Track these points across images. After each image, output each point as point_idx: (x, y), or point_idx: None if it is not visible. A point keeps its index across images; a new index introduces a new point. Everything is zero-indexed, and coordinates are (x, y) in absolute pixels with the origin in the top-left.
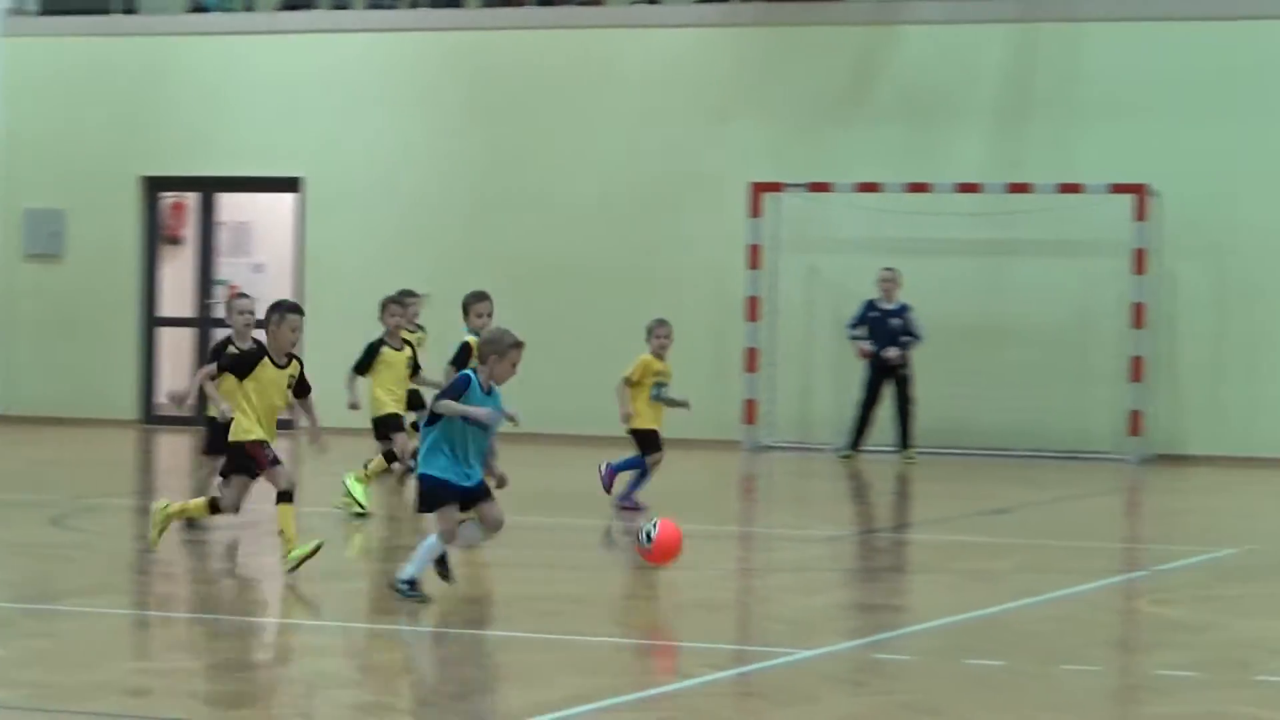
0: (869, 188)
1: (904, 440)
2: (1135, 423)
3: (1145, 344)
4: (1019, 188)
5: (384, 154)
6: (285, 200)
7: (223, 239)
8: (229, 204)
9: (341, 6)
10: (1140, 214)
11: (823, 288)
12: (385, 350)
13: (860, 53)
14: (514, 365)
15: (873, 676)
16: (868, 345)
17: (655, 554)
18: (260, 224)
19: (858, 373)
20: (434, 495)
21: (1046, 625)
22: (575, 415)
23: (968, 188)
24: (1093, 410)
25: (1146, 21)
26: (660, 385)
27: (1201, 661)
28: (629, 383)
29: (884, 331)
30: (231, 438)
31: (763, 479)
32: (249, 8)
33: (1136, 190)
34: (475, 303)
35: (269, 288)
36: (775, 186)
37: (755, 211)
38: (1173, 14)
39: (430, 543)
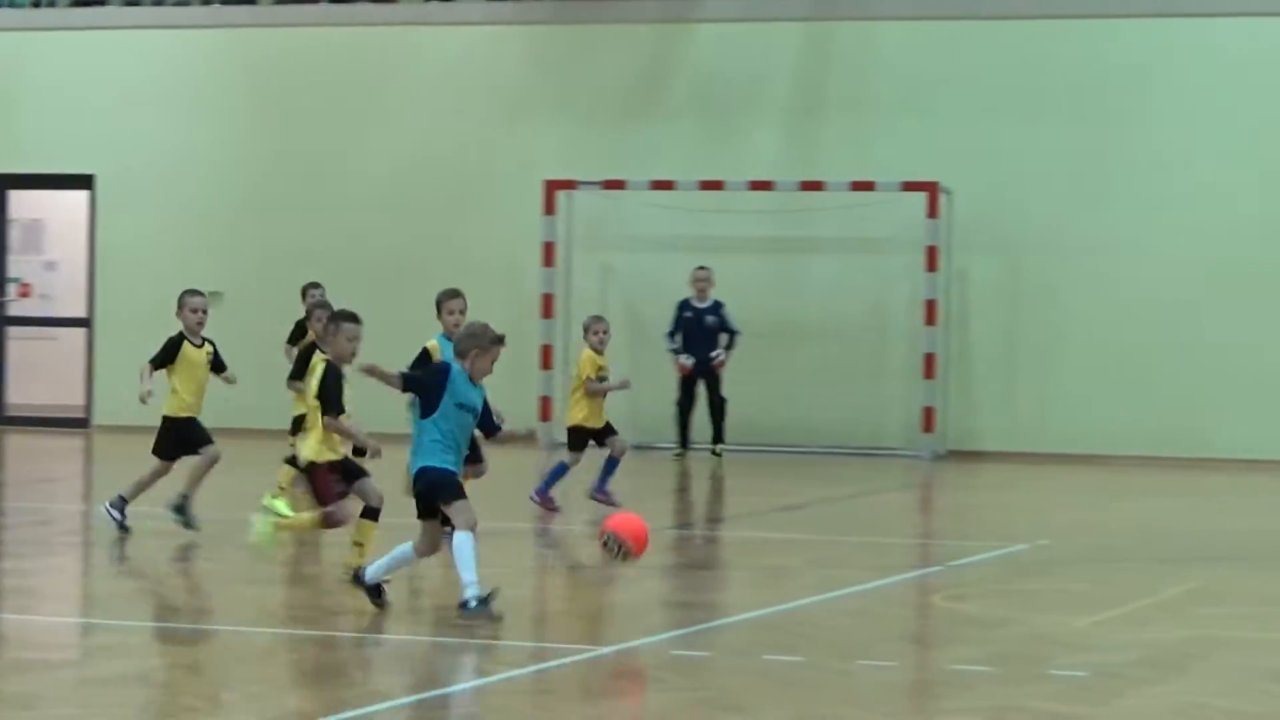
0: (663, 185)
1: (716, 437)
2: (928, 419)
3: (938, 341)
4: (812, 185)
5: (176, 151)
6: (78, 197)
7: (15, 236)
8: (21, 201)
9: (133, 3)
10: (932, 211)
11: (617, 285)
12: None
13: (654, 50)
14: (493, 362)
15: (671, 673)
16: (686, 361)
17: (637, 550)
18: (53, 221)
19: (653, 370)
20: (452, 487)
21: (843, 620)
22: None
23: (761, 185)
24: (887, 407)
25: (939, 20)
26: (602, 378)
27: (996, 656)
28: (587, 380)
29: (700, 331)
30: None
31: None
32: (38, 4)
33: (928, 188)
34: (447, 300)
35: (62, 285)
36: (569, 184)
37: (549, 209)
38: (966, 13)
39: (406, 552)
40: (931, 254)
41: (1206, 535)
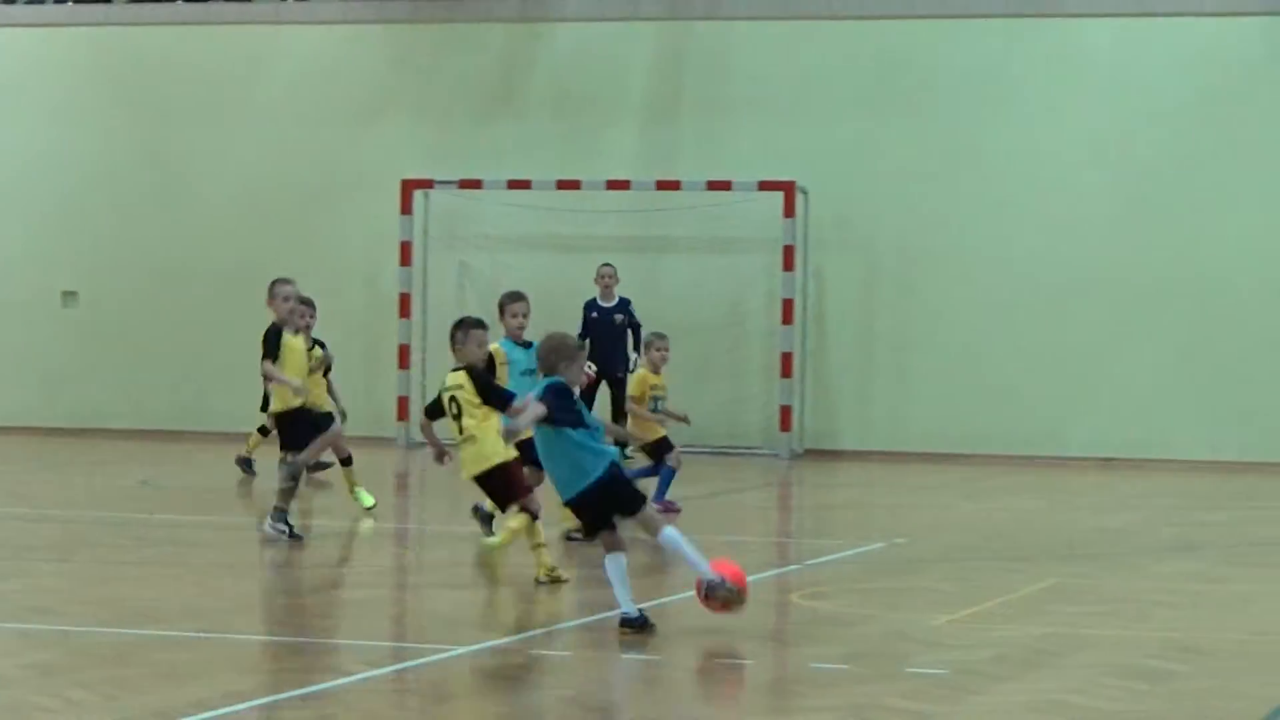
0: (520, 184)
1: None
2: (785, 418)
3: (794, 340)
4: (668, 185)
5: (32, 149)
6: None
7: None
8: None
9: None
10: (788, 211)
11: (473, 284)
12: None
13: (511, 49)
14: (580, 369)
15: (532, 672)
16: (590, 370)
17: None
18: None
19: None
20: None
21: (702, 619)
22: (203, 413)
23: (618, 185)
24: (745, 406)
25: (793, 20)
26: (657, 399)
27: (854, 654)
28: (634, 401)
29: (609, 330)
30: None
31: (414, 476)
32: None
33: (784, 188)
34: (511, 303)
35: None
36: (426, 183)
37: (406, 208)
38: (819, 13)
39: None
40: (788, 253)
41: (1061, 533)
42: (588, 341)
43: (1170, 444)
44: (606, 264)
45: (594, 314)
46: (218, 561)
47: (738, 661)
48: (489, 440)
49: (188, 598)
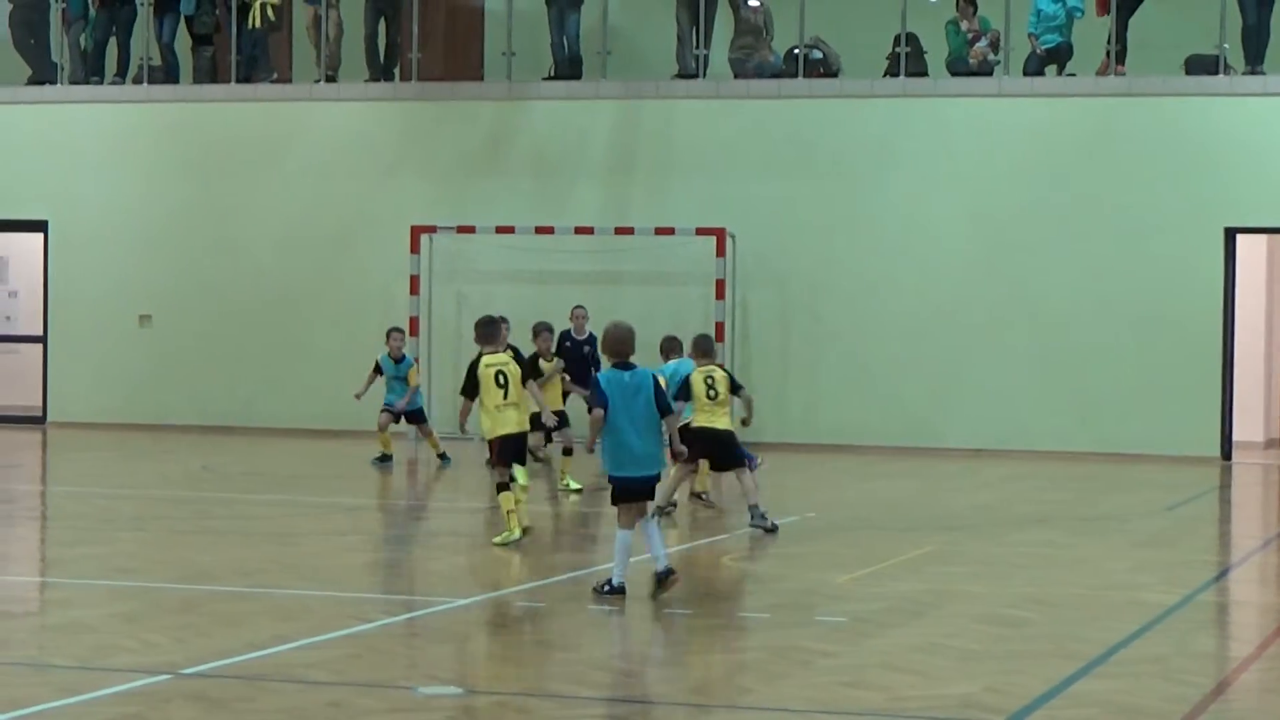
0: (505, 229)
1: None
2: None
3: (725, 355)
4: (624, 230)
5: (114, 202)
6: (35, 239)
7: None
8: None
9: (77, 82)
10: (719, 251)
11: (468, 310)
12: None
13: (498, 122)
14: None
15: (514, 620)
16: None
17: None
18: (14, 258)
19: None
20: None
21: (648, 577)
22: (252, 412)
23: (583, 230)
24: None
25: (723, 99)
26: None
27: (773, 606)
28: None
29: (579, 356)
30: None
31: (422, 466)
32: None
33: (717, 233)
34: (394, 331)
35: (22, 310)
36: (430, 229)
37: (414, 248)
38: (743, 95)
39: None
40: (719, 285)
41: (940, 509)
42: (562, 363)
43: (1027, 436)
44: (579, 306)
45: (568, 343)
46: (265, 531)
47: (682, 611)
48: (522, 410)
49: (241, 560)
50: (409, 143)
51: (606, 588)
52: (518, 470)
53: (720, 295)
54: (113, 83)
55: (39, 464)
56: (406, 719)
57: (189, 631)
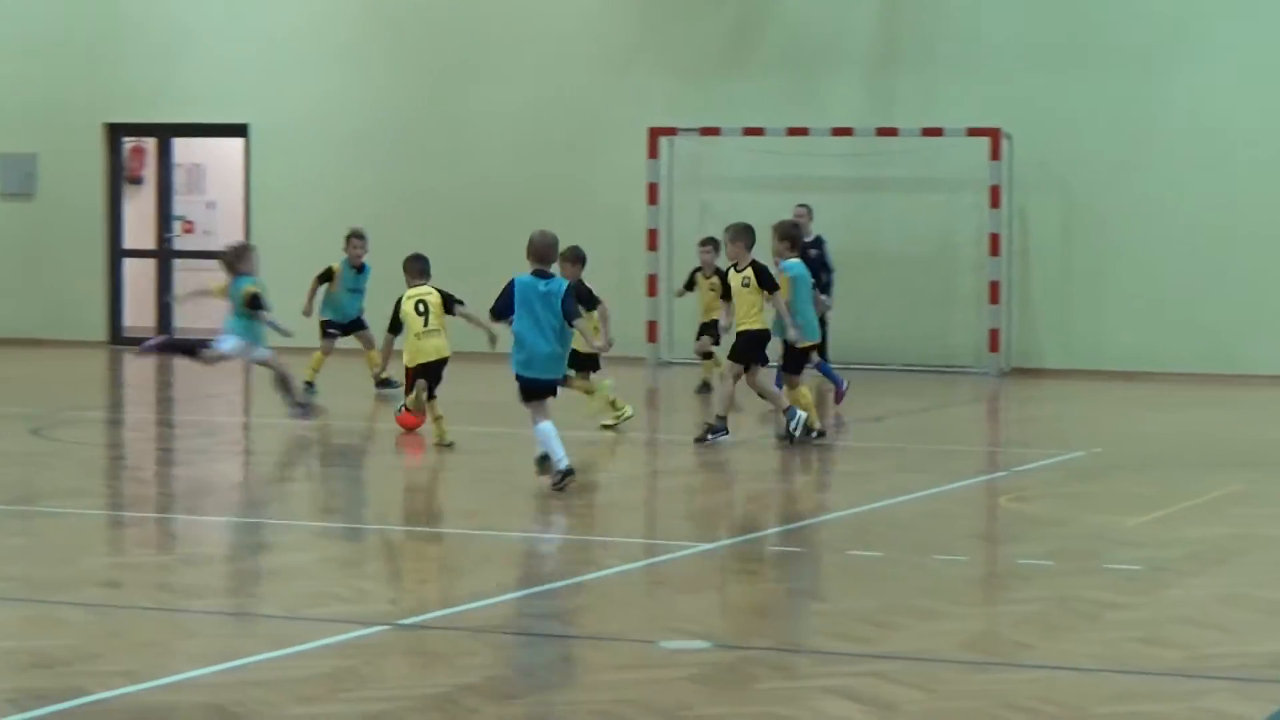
0: (754, 132)
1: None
2: (994, 340)
3: (1000, 270)
4: (887, 131)
5: (319, 102)
6: (234, 144)
7: (179, 179)
8: (184, 147)
9: None
10: (994, 154)
11: (713, 221)
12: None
13: (746, 11)
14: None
15: (765, 566)
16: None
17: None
18: (212, 165)
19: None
20: None
21: (919, 520)
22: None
23: (841, 131)
24: (956, 329)
25: None
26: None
27: (1056, 552)
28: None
29: (805, 262)
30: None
31: (664, 391)
32: None
33: (991, 134)
34: (353, 237)
35: (221, 223)
36: (670, 131)
37: (652, 153)
38: None
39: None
40: (994, 193)
41: (1244, 444)
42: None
43: None
44: (802, 205)
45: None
46: (489, 467)
47: (952, 558)
48: (443, 338)
49: (463, 501)
50: (646, 36)
51: (558, 475)
52: (602, 384)
53: (995, 203)
54: None
55: (240, 393)
56: (647, 675)
57: (407, 578)
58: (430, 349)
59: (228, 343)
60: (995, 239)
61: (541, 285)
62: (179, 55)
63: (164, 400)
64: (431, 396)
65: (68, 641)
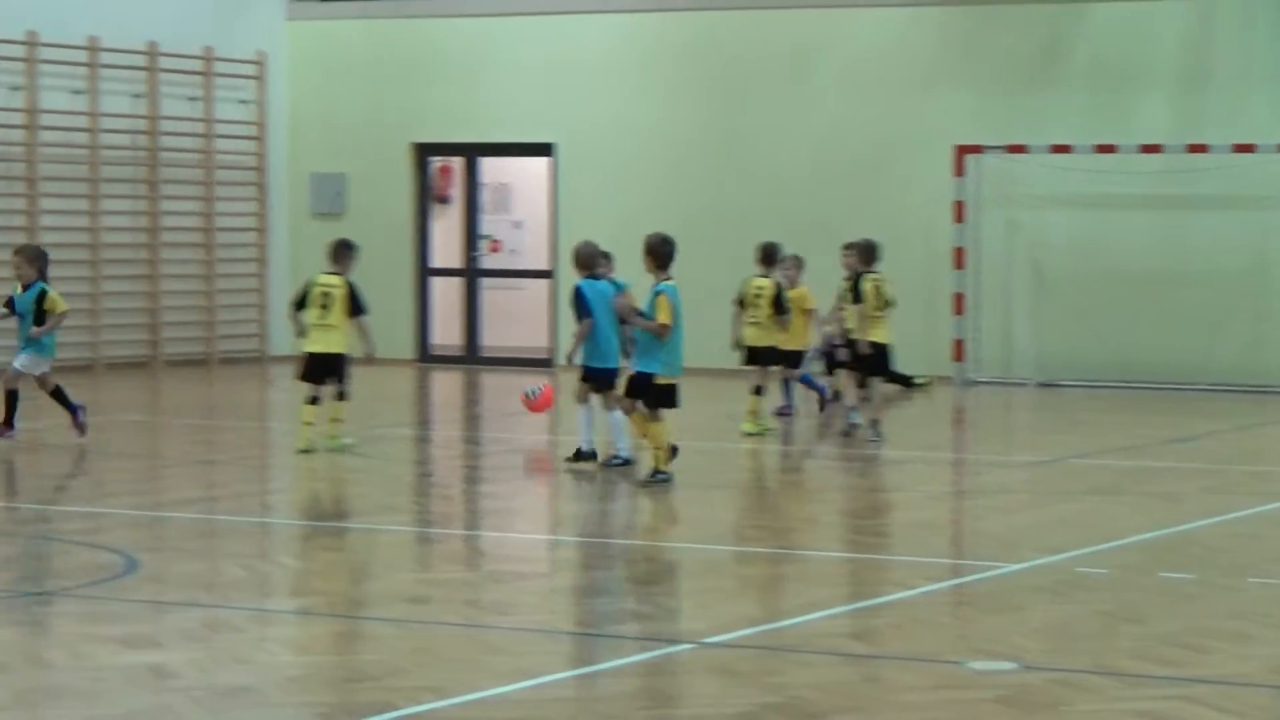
0: (1061, 149)
1: None
2: None
3: None
4: (1197, 147)
5: (626, 123)
6: (540, 164)
7: (486, 198)
8: (491, 167)
9: None
10: None
11: (1020, 239)
12: None
13: (1051, 27)
14: None
15: (1073, 588)
16: None
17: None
18: (519, 185)
19: (1054, 314)
20: None
21: (1232, 542)
22: None
23: (1150, 148)
24: (1267, 347)
25: None
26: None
27: None
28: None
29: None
30: None
31: (970, 410)
32: None
33: None
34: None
35: (528, 242)
36: (977, 148)
37: (959, 171)
38: None
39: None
40: None
41: None
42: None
43: None
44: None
45: None
46: (808, 485)
47: (1268, 580)
48: (338, 334)
49: (761, 521)
50: (950, 52)
51: (617, 460)
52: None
53: None
54: None
55: (547, 414)
56: (955, 696)
57: (711, 596)
58: (318, 340)
59: None
60: None
61: (600, 286)
62: (484, 76)
63: (471, 418)
64: (343, 396)
65: (377, 656)
